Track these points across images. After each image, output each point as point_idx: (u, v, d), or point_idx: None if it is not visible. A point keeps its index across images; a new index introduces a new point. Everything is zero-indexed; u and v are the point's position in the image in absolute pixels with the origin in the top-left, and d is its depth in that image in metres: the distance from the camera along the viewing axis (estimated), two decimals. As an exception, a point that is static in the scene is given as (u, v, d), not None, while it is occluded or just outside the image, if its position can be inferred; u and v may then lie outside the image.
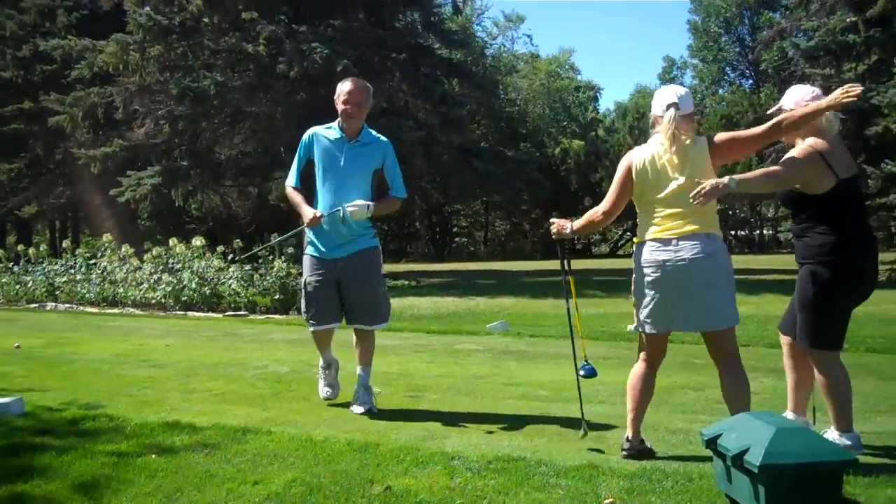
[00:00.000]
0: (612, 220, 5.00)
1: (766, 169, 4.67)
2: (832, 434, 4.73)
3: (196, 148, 22.59)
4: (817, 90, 4.99)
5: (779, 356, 5.43)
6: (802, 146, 4.79)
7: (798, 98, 4.94)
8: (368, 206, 5.85)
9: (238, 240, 18.24)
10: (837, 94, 4.44)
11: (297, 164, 6.17)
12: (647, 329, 4.80)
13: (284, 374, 7.76)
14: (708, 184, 4.43)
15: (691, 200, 4.46)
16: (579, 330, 5.44)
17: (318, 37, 19.75)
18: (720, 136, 4.75)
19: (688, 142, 4.70)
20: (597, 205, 5.03)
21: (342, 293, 6.01)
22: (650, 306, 4.75)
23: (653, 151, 4.78)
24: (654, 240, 4.74)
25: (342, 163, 5.95)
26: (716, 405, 6.00)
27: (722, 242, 4.74)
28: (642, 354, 4.90)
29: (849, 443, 4.66)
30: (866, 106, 18.33)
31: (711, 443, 4.01)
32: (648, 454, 4.75)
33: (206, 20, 21.05)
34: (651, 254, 4.73)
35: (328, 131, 6.12)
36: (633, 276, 4.88)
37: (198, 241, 17.28)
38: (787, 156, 4.82)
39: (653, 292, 4.73)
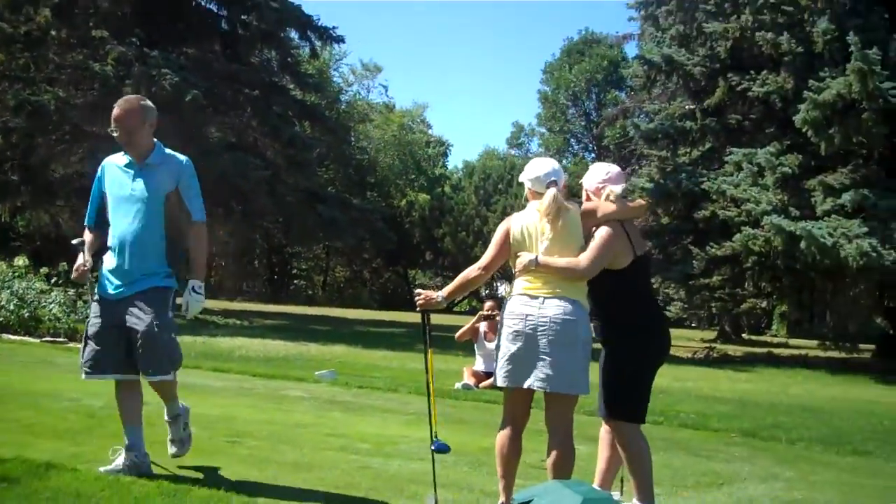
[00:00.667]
0: (488, 277, 5.00)
1: (569, 260, 4.76)
2: None
3: (29, 163, 21.65)
4: (612, 170, 5.24)
5: (594, 424, 5.58)
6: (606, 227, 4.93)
7: (594, 176, 5.21)
8: (192, 290, 5.32)
9: (65, 263, 17.52)
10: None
11: (92, 200, 5.46)
12: (503, 383, 4.81)
13: (98, 409, 7.45)
14: (523, 256, 4.71)
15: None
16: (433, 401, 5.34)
17: (169, 63, 19.39)
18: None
19: (564, 215, 4.82)
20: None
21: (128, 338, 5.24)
22: (507, 358, 4.77)
23: (530, 218, 4.88)
24: (522, 294, 4.81)
25: (129, 189, 5.29)
26: (531, 469, 6.10)
27: (586, 313, 4.84)
28: (504, 412, 4.91)
29: None
30: (697, 190, 19.28)
31: (521, 509, 4.08)
32: None
33: (53, 33, 20.36)
34: (517, 307, 4.79)
35: (121, 158, 5.44)
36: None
37: (20, 261, 16.51)
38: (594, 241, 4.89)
39: (512, 345, 4.76)
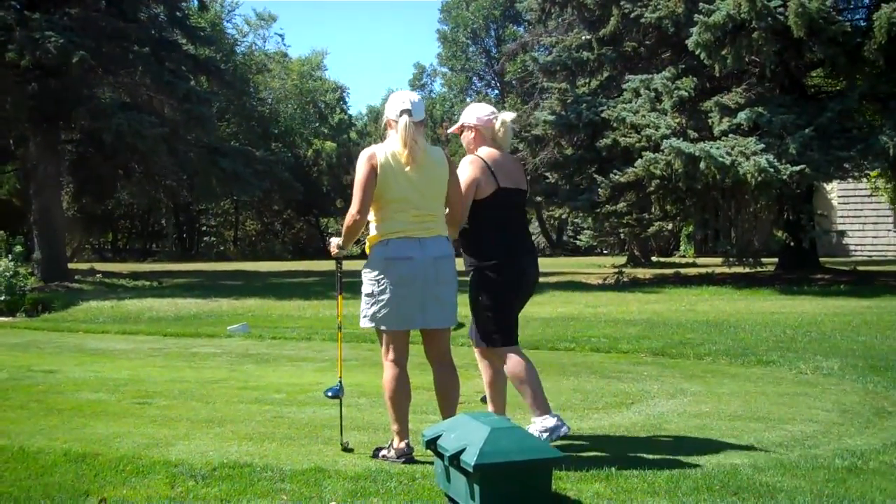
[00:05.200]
0: (367, 218, 4.90)
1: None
2: (537, 421, 4.98)
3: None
4: (494, 111, 5.38)
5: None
6: (469, 158, 5.20)
7: (479, 114, 5.34)
8: None
9: None
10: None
11: None
12: (390, 326, 4.82)
13: (2, 381, 7.29)
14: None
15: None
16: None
17: (52, 25, 18.63)
18: (451, 175, 4.96)
19: (422, 147, 4.81)
20: (349, 205, 4.95)
21: None
22: (394, 303, 4.78)
23: (392, 151, 4.82)
24: (400, 238, 4.79)
25: None
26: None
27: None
28: (390, 356, 4.88)
29: (551, 424, 4.92)
30: (598, 119, 19.44)
31: (431, 443, 4.12)
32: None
33: (-73, 2, 19.41)
34: (398, 251, 4.77)
35: None
36: (367, 274, 4.87)
37: None
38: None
39: (397, 289, 4.76)
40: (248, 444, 5.13)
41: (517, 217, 5.34)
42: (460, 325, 6.25)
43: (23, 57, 18.05)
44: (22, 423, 5.61)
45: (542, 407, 5.03)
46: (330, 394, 5.13)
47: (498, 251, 5.08)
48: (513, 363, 5.06)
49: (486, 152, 5.23)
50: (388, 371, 4.85)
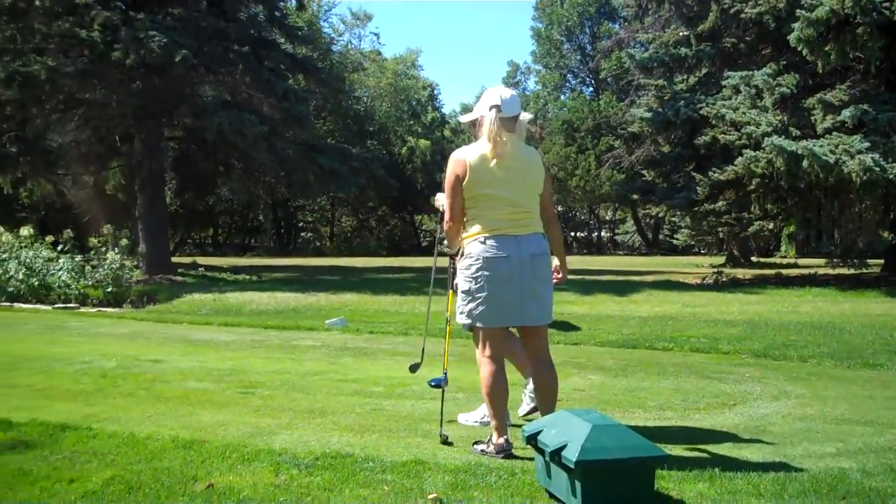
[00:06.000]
0: (461, 222, 4.93)
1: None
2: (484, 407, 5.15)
3: (26, 134, 21.55)
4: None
5: (602, 354, 5.61)
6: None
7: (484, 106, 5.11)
8: None
9: (69, 230, 17.55)
10: None
11: None
12: (488, 324, 4.85)
13: (111, 369, 7.52)
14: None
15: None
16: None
17: (156, 25, 19.14)
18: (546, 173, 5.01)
19: (511, 142, 4.81)
20: None
21: None
22: (492, 301, 4.80)
23: (482, 150, 4.84)
24: (497, 236, 4.80)
25: None
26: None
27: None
28: (486, 353, 4.89)
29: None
30: (696, 116, 19.14)
31: (532, 439, 4.11)
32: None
33: (37, 3, 20.08)
34: (495, 249, 4.79)
35: None
36: (464, 271, 4.90)
37: (26, 231, 16.59)
38: None
39: (494, 287, 4.79)
40: (348, 434, 5.19)
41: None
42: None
43: (128, 56, 18.57)
44: (131, 410, 5.78)
45: None
46: (433, 383, 5.17)
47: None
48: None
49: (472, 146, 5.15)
50: (486, 368, 4.86)
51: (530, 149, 5.00)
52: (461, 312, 4.93)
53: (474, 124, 5.01)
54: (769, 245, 37.25)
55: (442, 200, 5.08)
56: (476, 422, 5.49)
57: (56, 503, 3.86)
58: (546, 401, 4.95)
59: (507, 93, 4.95)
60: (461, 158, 4.86)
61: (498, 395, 4.83)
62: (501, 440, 4.78)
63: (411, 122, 53.68)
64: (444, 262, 5.56)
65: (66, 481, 4.11)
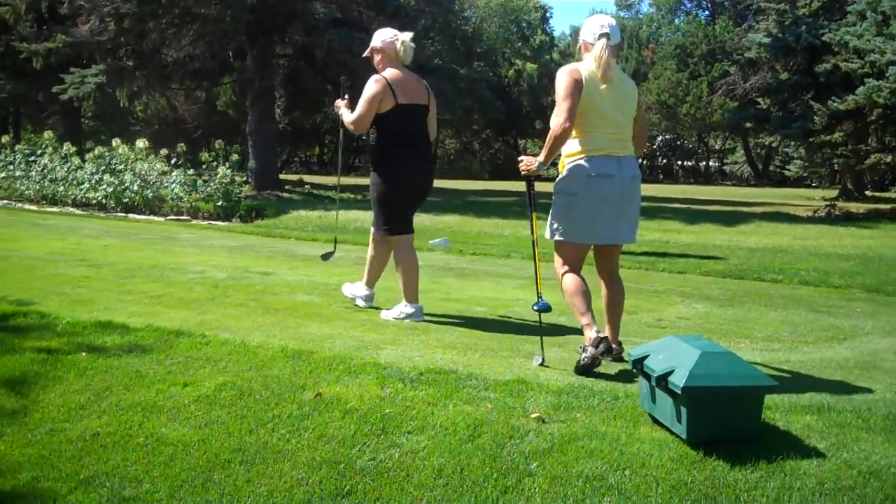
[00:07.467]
0: (573, 129, 4.89)
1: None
2: (401, 306, 6.16)
3: (142, 48, 21.99)
4: (396, 33, 6.21)
5: (708, 284, 5.51)
6: (375, 78, 6.03)
7: (383, 37, 6.18)
8: None
9: (182, 144, 17.96)
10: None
11: None
12: (584, 241, 5.02)
13: (222, 280, 7.72)
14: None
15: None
16: (538, 264, 5.38)
17: (275, -61, 19.26)
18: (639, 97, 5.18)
19: (615, 69, 4.96)
20: (547, 127, 4.99)
21: None
22: (591, 219, 4.93)
23: (590, 69, 4.91)
24: (601, 156, 4.89)
25: None
26: (647, 328, 6.12)
27: None
28: (565, 268, 5.06)
29: (412, 310, 6.12)
30: (818, 43, 18.41)
31: (638, 363, 4.08)
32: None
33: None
34: (601, 168, 4.88)
35: None
36: (568, 189, 4.95)
37: (141, 143, 17.02)
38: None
39: (596, 205, 4.90)
40: (452, 352, 5.23)
41: (416, 130, 6.17)
42: None
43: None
44: (242, 320, 5.93)
45: (413, 298, 6.20)
46: (536, 308, 5.15)
47: (390, 160, 6.09)
48: (404, 252, 6.28)
49: (391, 73, 6.05)
50: (567, 277, 5.05)
51: (626, 75, 5.16)
52: (556, 229, 5.04)
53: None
54: (885, 179, 35.87)
55: (343, 107, 6.37)
56: (394, 318, 6.17)
57: (172, 405, 4.00)
58: (616, 314, 5.22)
59: (612, 21, 5.10)
60: (576, 69, 4.94)
61: (580, 292, 4.96)
62: (592, 332, 4.85)
63: (519, 45, 52.98)
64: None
65: (180, 385, 4.26)
